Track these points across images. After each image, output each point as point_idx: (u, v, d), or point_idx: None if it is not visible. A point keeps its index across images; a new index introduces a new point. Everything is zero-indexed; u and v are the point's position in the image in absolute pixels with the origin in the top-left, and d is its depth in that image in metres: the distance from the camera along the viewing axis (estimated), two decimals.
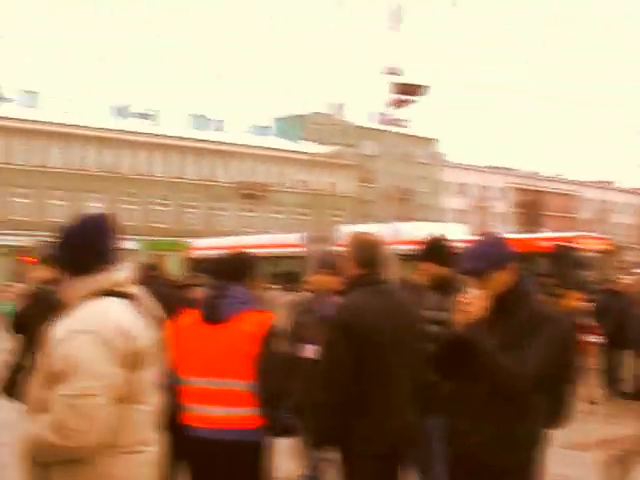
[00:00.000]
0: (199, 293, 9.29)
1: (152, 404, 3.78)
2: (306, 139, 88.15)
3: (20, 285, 40.33)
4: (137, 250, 60.43)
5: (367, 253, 5.62)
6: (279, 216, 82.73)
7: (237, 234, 52.70)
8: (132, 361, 3.62)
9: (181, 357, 5.36)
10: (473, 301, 4.56)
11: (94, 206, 70.25)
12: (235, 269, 5.66)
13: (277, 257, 25.87)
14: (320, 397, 5.35)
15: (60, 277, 3.92)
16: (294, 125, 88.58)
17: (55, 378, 3.54)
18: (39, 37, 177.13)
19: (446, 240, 6.98)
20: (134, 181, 75.53)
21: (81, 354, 3.51)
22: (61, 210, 69.72)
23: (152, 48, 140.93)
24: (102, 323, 3.60)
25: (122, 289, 3.82)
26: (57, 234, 3.93)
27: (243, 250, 6.08)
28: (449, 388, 4.89)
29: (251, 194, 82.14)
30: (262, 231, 64.83)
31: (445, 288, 6.67)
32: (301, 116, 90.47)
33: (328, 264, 7.61)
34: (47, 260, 8.74)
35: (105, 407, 3.50)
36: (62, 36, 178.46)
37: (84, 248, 3.81)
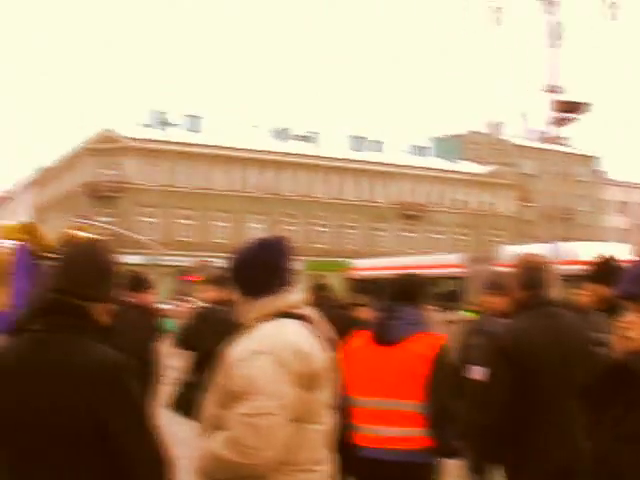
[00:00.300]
0: (364, 313, 9.32)
1: (326, 424, 3.82)
2: (465, 158, 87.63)
3: (183, 303, 41.19)
4: (298, 270, 60.98)
5: (533, 275, 5.52)
6: (439, 236, 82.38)
7: (397, 254, 52.73)
8: (308, 382, 3.67)
9: (352, 378, 5.39)
10: (633, 327, 4.42)
11: (255, 227, 71.39)
12: (406, 290, 5.69)
13: (437, 278, 25.68)
14: (477, 419, 5.32)
15: (233, 297, 3.99)
16: (452, 145, 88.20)
17: (233, 397, 3.61)
18: (202, 63, 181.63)
19: (616, 261, 6.80)
20: (294, 202, 76.45)
21: (260, 374, 3.57)
22: (223, 231, 71.34)
23: (310, 72, 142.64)
24: (280, 344, 3.65)
25: (297, 310, 3.88)
26: (233, 255, 4.00)
27: (414, 271, 6.10)
28: (610, 415, 4.75)
29: (410, 214, 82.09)
30: (422, 251, 64.68)
31: (612, 310, 6.50)
32: (459, 135, 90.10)
33: (496, 285, 7.54)
34: (215, 280, 8.90)
35: (282, 426, 3.55)
36: (224, 62, 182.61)
37: (262, 269, 3.87)
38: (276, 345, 3.65)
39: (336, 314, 8.27)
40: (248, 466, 3.54)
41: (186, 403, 8.38)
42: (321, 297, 8.61)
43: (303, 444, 3.68)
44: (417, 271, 6.68)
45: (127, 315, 8.14)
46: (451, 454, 5.64)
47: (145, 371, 8.25)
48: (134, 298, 8.43)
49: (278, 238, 4.09)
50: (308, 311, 3.94)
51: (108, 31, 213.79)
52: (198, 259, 63.01)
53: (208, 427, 3.80)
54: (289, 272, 3.97)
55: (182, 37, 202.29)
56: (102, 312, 3.23)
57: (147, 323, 8.63)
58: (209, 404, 3.85)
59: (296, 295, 3.93)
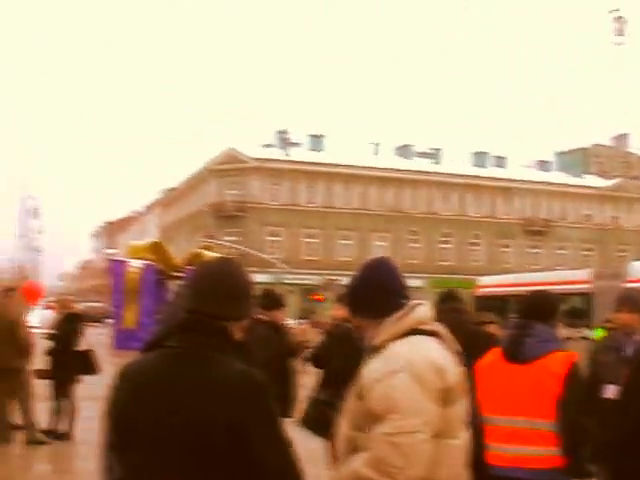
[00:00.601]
0: (493, 329, 9.27)
1: (462, 438, 3.81)
2: (589, 172, 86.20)
3: (307, 321, 41.41)
4: (422, 288, 60.85)
5: None
6: (563, 252, 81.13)
7: (521, 271, 52.05)
8: (445, 396, 3.67)
9: (484, 395, 5.39)
10: None
11: (379, 245, 71.57)
12: (540, 308, 5.63)
13: (562, 294, 25.30)
14: (607, 434, 5.23)
15: (359, 320, 4.01)
16: (576, 158, 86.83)
17: (372, 418, 3.63)
18: (325, 82, 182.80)
19: None
20: (417, 219, 76.23)
21: (399, 393, 3.58)
22: (347, 249, 71.51)
23: (433, 88, 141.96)
24: (416, 361, 3.65)
25: (426, 327, 3.87)
26: (353, 279, 4.04)
27: (545, 288, 6.06)
28: None
29: (534, 230, 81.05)
30: (547, 267, 63.80)
31: None
32: (583, 149, 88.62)
33: (627, 301, 7.39)
34: (344, 299, 8.99)
35: (425, 443, 3.56)
36: (348, 81, 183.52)
37: (379, 291, 3.90)
38: (412, 362, 3.65)
39: (465, 328, 8.17)
40: None
41: (315, 420, 8.47)
42: (449, 309, 8.45)
43: (443, 460, 3.66)
44: (541, 287, 6.63)
45: (258, 332, 8.29)
46: (583, 475, 5.50)
47: (276, 388, 8.39)
48: (266, 315, 8.57)
49: (386, 258, 4.13)
50: (436, 326, 3.93)
51: (233, 54, 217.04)
52: (323, 277, 63.40)
53: (344, 450, 3.82)
54: (405, 289, 3.99)
55: (306, 58, 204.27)
56: (237, 330, 3.24)
57: (278, 340, 8.77)
58: (344, 427, 3.87)
59: (423, 311, 3.92)
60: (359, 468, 3.60)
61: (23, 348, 13.16)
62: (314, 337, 9.57)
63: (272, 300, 8.84)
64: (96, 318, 49.92)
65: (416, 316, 3.88)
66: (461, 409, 3.82)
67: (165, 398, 3.05)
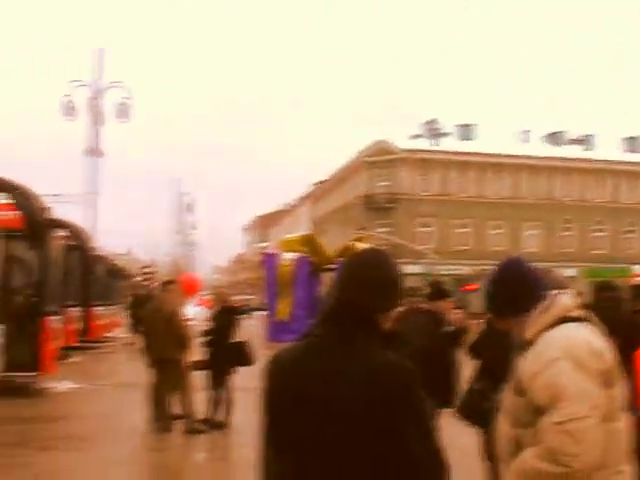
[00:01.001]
0: None
1: (624, 421, 3.74)
2: None
3: (462, 312, 41.21)
4: (574, 277, 59.82)
5: None
6: None
7: None
8: (606, 378, 3.63)
9: None
10: None
11: (530, 234, 70.73)
12: None
13: None
14: None
15: (506, 322, 4.01)
16: None
17: (538, 411, 3.61)
18: (473, 72, 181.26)
19: None
20: (569, 207, 74.89)
21: (563, 380, 3.56)
22: (499, 239, 70.80)
23: (583, 74, 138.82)
24: (572, 346, 3.64)
25: (573, 314, 3.84)
26: (488, 286, 4.03)
27: None
28: None
29: None
30: None
31: None
32: None
33: None
34: (486, 306, 8.95)
35: (596, 427, 3.52)
36: (494, 69, 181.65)
37: (523, 286, 3.91)
38: (570, 348, 3.64)
39: (623, 317, 8.03)
40: (568, 474, 3.49)
41: (470, 410, 8.49)
42: (606, 297, 8.32)
43: (610, 443, 3.61)
44: None
45: (417, 321, 8.42)
46: None
47: (436, 377, 8.41)
48: (430, 305, 8.72)
49: (511, 257, 4.15)
50: (583, 313, 3.89)
51: (385, 46, 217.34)
52: (475, 267, 62.97)
53: (508, 448, 3.81)
54: (542, 280, 3.98)
55: (454, 49, 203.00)
56: (385, 320, 3.22)
57: (439, 330, 8.88)
58: (504, 425, 3.87)
59: (567, 299, 3.91)
60: (531, 462, 3.58)
61: (181, 340, 13.59)
62: (471, 328, 9.58)
63: (436, 291, 9.04)
64: (248, 311, 50.86)
65: (561, 305, 3.87)
66: (620, 391, 3.76)
67: (311, 387, 3.07)
